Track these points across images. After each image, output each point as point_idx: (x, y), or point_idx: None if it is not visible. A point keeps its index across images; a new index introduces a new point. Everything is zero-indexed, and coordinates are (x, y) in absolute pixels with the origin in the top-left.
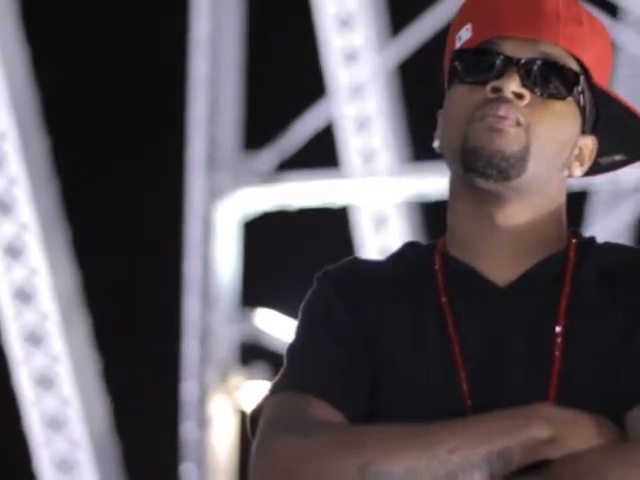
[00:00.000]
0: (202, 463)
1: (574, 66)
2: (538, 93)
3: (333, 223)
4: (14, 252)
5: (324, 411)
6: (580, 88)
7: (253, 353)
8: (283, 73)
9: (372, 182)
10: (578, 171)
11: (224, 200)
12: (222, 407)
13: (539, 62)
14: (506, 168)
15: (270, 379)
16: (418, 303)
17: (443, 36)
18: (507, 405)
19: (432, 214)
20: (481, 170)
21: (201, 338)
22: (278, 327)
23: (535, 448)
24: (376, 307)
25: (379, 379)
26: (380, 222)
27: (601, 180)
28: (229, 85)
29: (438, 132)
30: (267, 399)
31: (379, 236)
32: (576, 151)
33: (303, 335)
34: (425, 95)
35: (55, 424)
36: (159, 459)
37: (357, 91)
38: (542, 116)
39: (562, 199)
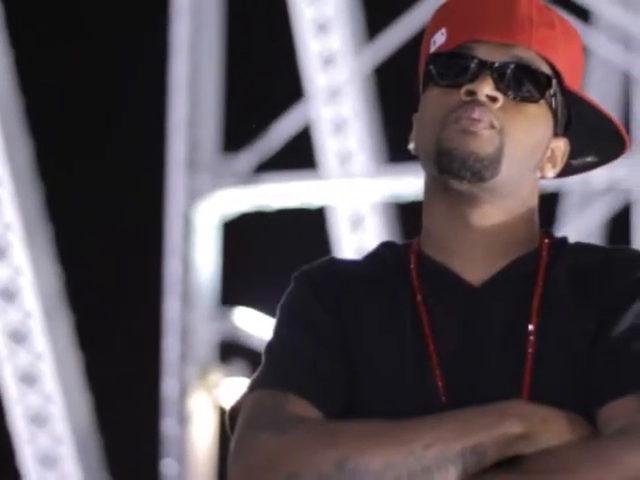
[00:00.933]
0: (182, 458)
1: (546, 70)
2: (511, 96)
3: (310, 223)
4: None
5: (301, 408)
6: (552, 91)
7: (232, 351)
8: (262, 77)
9: (348, 183)
10: (550, 172)
11: (204, 201)
12: (202, 404)
13: (512, 66)
14: (480, 170)
15: (249, 376)
16: (394, 302)
17: (418, 40)
18: (481, 402)
19: (407, 214)
20: (455, 171)
21: (181, 336)
22: (256, 325)
23: (508, 444)
24: (352, 305)
25: (356, 376)
26: (356, 222)
27: (573, 181)
28: (209, 89)
29: (413, 134)
30: (245, 396)
31: (355, 236)
32: (548, 153)
33: (281, 333)
34: (400, 98)
35: (38, 420)
36: (140, 454)
37: (334, 94)
38: (515, 119)
39: (535, 200)
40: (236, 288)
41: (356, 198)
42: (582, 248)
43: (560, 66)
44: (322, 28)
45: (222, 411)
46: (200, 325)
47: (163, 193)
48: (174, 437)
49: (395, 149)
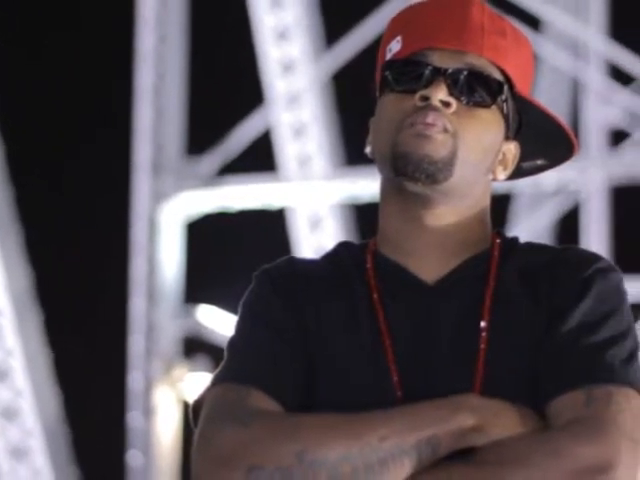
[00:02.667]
0: (147, 450)
1: (498, 76)
2: (464, 101)
3: (271, 224)
4: None
5: (262, 401)
6: (504, 97)
7: (195, 347)
8: (224, 83)
9: (307, 185)
10: (502, 175)
11: (168, 202)
12: (166, 397)
13: (465, 72)
14: (434, 172)
15: (211, 371)
16: (351, 299)
17: (375, 48)
18: (435, 396)
19: (364, 216)
20: (410, 174)
21: (146, 332)
22: (219, 322)
23: (461, 436)
24: (311, 303)
25: (315, 371)
26: (315, 223)
27: (523, 183)
28: (173, 94)
29: (370, 138)
30: (208, 390)
31: (314, 236)
32: (500, 156)
33: (242, 330)
34: (358, 104)
35: (9, 414)
36: (107, 446)
37: (293, 100)
38: (468, 123)
39: (487, 201)
40: (199, 286)
41: (315, 200)
42: (532, 248)
43: (511, 72)
44: (282, 36)
45: (186, 404)
46: (165, 322)
47: (129, 195)
48: (139, 429)
49: (352, 153)
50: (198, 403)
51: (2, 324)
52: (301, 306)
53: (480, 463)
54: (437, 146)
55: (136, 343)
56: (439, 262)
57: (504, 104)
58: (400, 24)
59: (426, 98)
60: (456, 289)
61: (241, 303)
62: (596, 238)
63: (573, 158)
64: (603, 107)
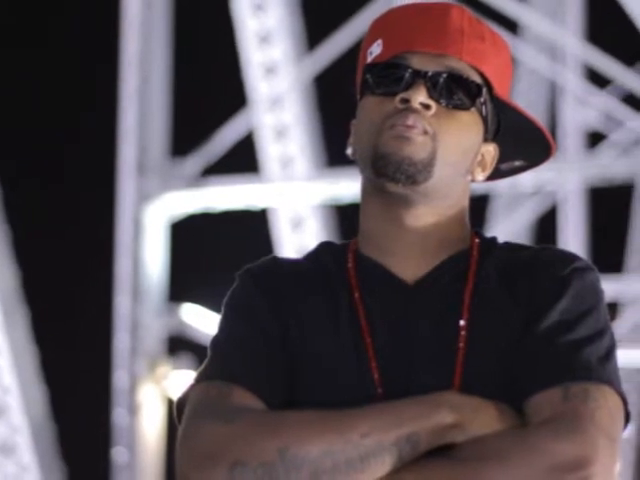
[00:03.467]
0: (132, 446)
1: (477, 79)
2: (443, 104)
3: (254, 224)
4: None
5: (245, 398)
6: (482, 99)
7: (179, 345)
8: (207, 86)
9: (290, 186)
10: (480, 176)
11: (153, 203)
12: (151, 395)
13: (444, 75)
14: (414, 173)
15: (195, 369)
16: (333, 298)
17: (356, 51)
18: (415, 393)
19: (345, 216)
20: (391, 175)
21: (131, 331)
22: (203, 321)
23: (441, 433)
24: (293, 302)
25: (297, 369)
26: (297, 223)
27: (502, 184)
28: (157, 96)
29: (351, 140)
30: (192, 388)
31: (296, 236)
32: (479, 157)
33: (226, 328)
34: (339, 106)
35: None
36: (93, 443)
37: (276, 102)
38: (447, 125)
39: (466, 202)
40: (184, 285)
41: (297, 200)
42: (511, 247)
43: (490, 75)
44: (264, 40)
45: (170, 402)
46: (149, 320)
47: (114, 196)
48: (125, 426)
49: (334, 154)
50: (182, 400)
51: None
52: (283, 305)
53: (459, 459)
54: (417, 148)
55: (121, 341)
56: (419, 262)
57: (483, 106)
58: (381, 28)
59: (406, 100)
60: (436, 288)
61: (224, 302)
62: (573, 238)
63: (550, 159)
64: (580, 109)
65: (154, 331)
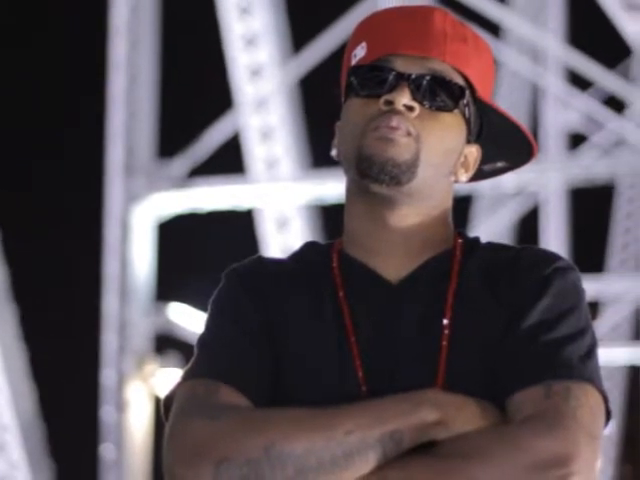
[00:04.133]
0: (120, 443)
1: (460, 81)
2: (427, 106)
3: (239, 225)
4: None
5: (231, 396)
6: (465, 101)
7: (167, 343)
8: (194, 88)
9: (275, 187)
10: (463, 177)
11: (140, 203)
12: (138, 392)
13: (428, 77)
14: (397, 174)
15: (182, 367)
16: (317, 298)
17: (340, 54)
18: (399, 391)
19: (330, 216)
20: (374, 176)
21: (119, 330)
22: (189, 320)
23: (424, 430)
24: (279, 301)
25: (282, 367)
26: (282, 224)
27: (484, 185)
28: (144, 99)
29: (336, 141)
30: (179, 385)
31: (281, 236)
32: (462, 159)
33: (212, 327)
34: (324, 108)
35: None
36: (81, 440)
37: (261, 104)
38: (431, 127)
39: (449, 202)
40: (171, 285)
41: (282, 201)
42: (493, 247)
43: (472, 78)
44: (250, 42)
45: (157, 399)
46: (137, 319)
47: (102, 196)
48: (112, 423)
49: (319, 155)
50: (169, 398)
51: None
52: (269, 304)
53: (442, 456)
54: (401, 149)
55: (109, 340)
56: (403, 261)
57: (466, 108)
58: (365, 31)
59: (390, 102)
60: (419, 287)
61: (211, 301)
62: (555, 238)
63: (532, 161)
64: (562, 111)
65: (141, 330)
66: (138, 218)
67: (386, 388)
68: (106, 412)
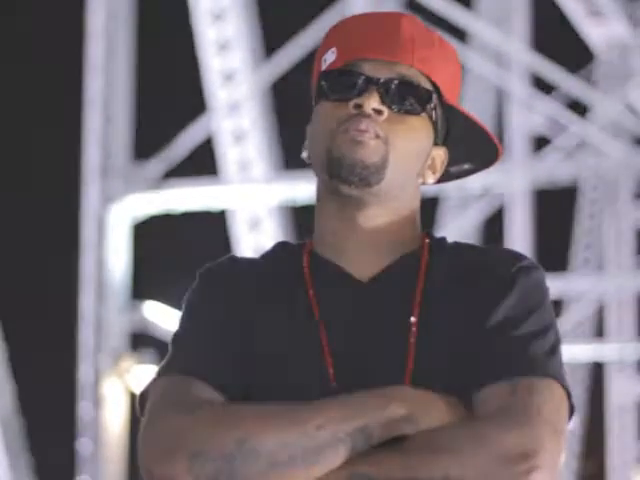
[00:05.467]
0: (97, 438)
1: (427, 85)
2: (395, 109)
3: (213, 225)
4: None
5: (205, 391)
6: (432, 105)
7: (142, 341)
8: (169, 92)
9: (247, 188)
10: (431, 179)
11: (116, 204)
12: (114, 388)
13: (396, 82)
14: (366, 176)
15: (157, 364)
16: (289, 296)
17: (311, 59)
18: (368, 387)
19: (301, 217)
20: (344, 178)
21: (95, 327)
22: (164, 318)
23: (393, 425)
24: (251, 299)
25: (254, 364)
26: (254, 224)
27: (451, 187)
28: (121, 102)
29: (306, 144)
30: (154, 381)
31: (253, 237)
32: (429, 161)
33: (186, 324)
34: (296, 111)
35: None
36: (59, 435)
37: (234, 108)
38: (399, 130)
39: (417, 203)
40: (146, 284)
41: (254, 202)
42: (460, 247)
43: (439, 82)
44: (223, 47)
45: (133, 395)
46: (113, 317)
47: (79, 197)
48: (89, 419)
49: (290, 157)
50: (144, 394)
51: None
52: (241, 302)
53: (411, 450)
54: (369, 151)
55: (86, 337)
56: (372, 261)
57: (433, 112)
58: (335, 36)
59: (359, 106)
60: (388, 286)
61: (184, 299)
62: (519, 238)
63: (498, 163)
64: (526, 115)
65: (118, 327)
66: (114, 218)
67: (356, 384)
68: (83, 408)
